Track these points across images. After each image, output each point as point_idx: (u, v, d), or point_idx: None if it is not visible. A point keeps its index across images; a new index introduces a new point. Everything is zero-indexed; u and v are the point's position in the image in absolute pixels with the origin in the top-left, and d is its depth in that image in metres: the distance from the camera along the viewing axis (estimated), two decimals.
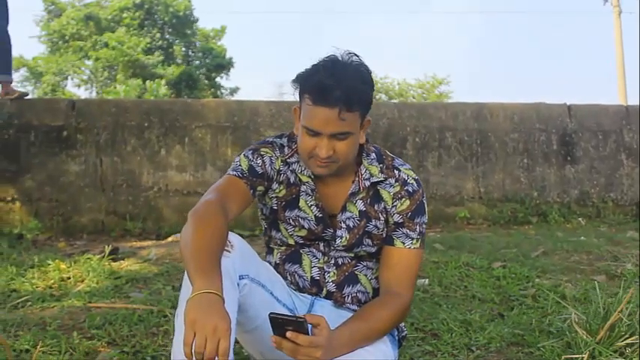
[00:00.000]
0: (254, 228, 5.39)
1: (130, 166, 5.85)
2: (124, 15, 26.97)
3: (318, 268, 2.06)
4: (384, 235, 2.03)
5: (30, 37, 41.40)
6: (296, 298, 2.06)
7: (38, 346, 2.40)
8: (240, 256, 1.84)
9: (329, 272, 2.05)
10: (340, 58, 1.88)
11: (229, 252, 1.79)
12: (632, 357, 2.16)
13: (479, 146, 6.16)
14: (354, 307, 2.06)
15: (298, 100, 1.93)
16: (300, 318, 1.63)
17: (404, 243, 2.00)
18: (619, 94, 23.96)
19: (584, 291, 3.39)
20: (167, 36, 28.98)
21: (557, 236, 5.08)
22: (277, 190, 2.05)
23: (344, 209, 2.03)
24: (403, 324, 2.15)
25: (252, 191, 1.98)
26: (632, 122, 6.17)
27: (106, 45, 26.07)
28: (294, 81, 1.93)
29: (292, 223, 2.04)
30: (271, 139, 2.09)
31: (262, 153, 2.03)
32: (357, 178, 2.02)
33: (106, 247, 4.11)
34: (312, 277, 2.06)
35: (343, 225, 2.02)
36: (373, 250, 2.05)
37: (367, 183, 2.02)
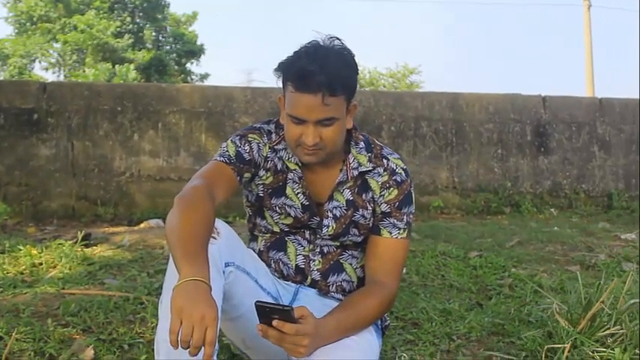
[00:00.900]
0: (227, 215, 5.35)
1: (102, 150, 5.75)
2: None
3: (303, 256, 2.03)
4: (371, 225, 2.01)
5: None
6: (280, 287, 2.03)
7: (14, 334, 2.34)
8: (227, 242, 1.81)
9: (314, 260, 2.03)
10: (322, 43, 1.84)
11: (215, 238, 1.75)
12: (613, 347, 2.16)
13: (454, 136, 6.17)
14: (339, 295, 2.04)
15: (282, 88, 1.89)
16: (287, 307, 1.61)
17: (391, 233, 1.98)
18: (587, 87, 24.22)
19: (560, 281, 3.42)
20: (137, 20, 28.55)
21: (530, 226, 5.12)
22: (264, 177, 2.01)
23: (331, 198, 2.00)
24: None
25: (238, 178, 1.94)
26: (605, 115, 6.23)
27: (75, 28, 25.59)
28: (276, 69, 1.89)
29: (278, 210, 2.01)
30: (259, 125, 2.04)
31: (250, 139, 1.98)
32: (345, 167, 1.99)
33: (79, 232, 4.04)
34: (296, 265, 2.03)
35: (330, 214, 1.99)
36: (359, 239, 2.03)
37: (355, 172, 1.99)
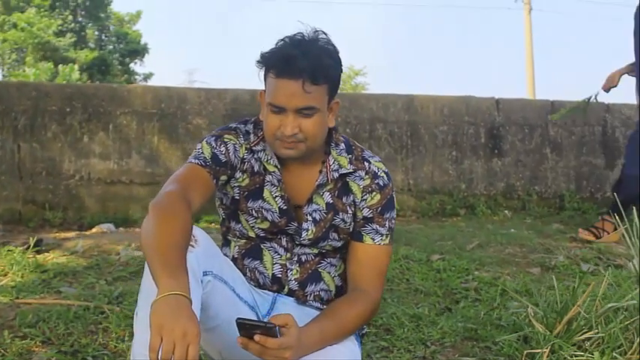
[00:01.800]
0: (198, 219, 5.21)
1: (51, 153, 5.55)
2: None
3: (280, 265, 1.96)
4: (351, 230, 1.95)
5: None
6: (257, 295, 1.96)
7: None
8: (204, 251, 1.73)
9: (292, 270, 1.96)
10: (306, 34, 1.80)
11: (193, 247, 1.68)
12: (592, 351, 2.16)
13: (409, 138, 6.16)
14: (317, 304, 1.98)
15: (263, 81, 1.83)
16: (270, 324, 1.56)
17: (373, 239, 1.93)
18: (528, 89, 24.74)
19: (524, 283, 3.42)
20: (79, 19, 27.97)
21: (487, 228, 5.14)
22: (240, 179, 1.93)
23: (310, 201, 1.93)
24: None
25: (215, 181, 1.86)
26: None
27: (15, 26, 24.90)
28: (258, 61, 1.84)
29: (254, 214, 1.93)
30: (234, 125, 1.96)
31: (226, 140, 1.90)
32: (324, 169, 1.93)
33: (31, 238, 3.88)
34: (273, 274, 1.96)
35: (309, 217, 1.93)
36: (339, 244, 1.97)
37: (336, 174, 1.93)
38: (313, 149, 1.86)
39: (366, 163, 1.95)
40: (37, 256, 3.74)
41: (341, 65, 1.85)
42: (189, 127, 5.78)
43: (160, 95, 5.84)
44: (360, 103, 6.17)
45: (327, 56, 1.78)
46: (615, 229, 4.55)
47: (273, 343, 1.54)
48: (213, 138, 1.90)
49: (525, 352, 2.20)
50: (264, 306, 1.95)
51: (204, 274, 1.71)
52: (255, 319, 1.87)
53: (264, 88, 1.85)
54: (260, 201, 1.92)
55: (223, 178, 1.88)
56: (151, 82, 27.93)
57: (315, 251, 1.97)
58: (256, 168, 1.93)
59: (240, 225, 1.96)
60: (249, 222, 1.95)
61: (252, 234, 1.96)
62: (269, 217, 1.92)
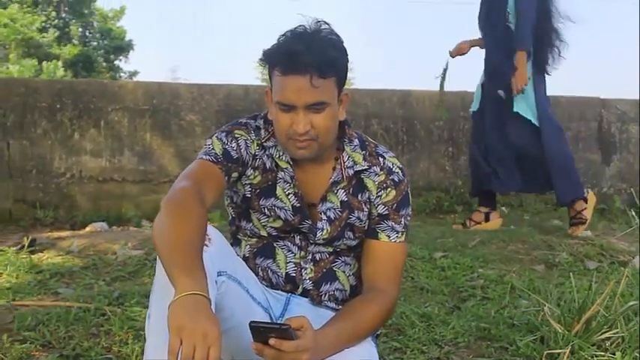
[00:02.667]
0: None
1: (41, 150, 5.44)
2: None
3: (294, 263, 1.89)
4: (367, 228, 1.88)
5: None
6: (270, 296, 1.88)
7: None
8: (218, 250, 1.67)
9: (306, 269, 1.89)
10: (308, 26, 1.73)
11: (207, 246, 1.61)
12: (613, 351, 2.10)
13: (405, 134, 6.10)
14: (332, 304, 1.91)
15: (269, 79, 1.77)
16: (284, 325, 1.49)
17: (389, 237, 1.86)
18: None
19: (530, 281, 3.36)
20: (63, 15, 27.69)
21: None
22: (252, 177, 1.86)
23: (324, 199, 1.86)
24: None
25: (227, 178, 1.79)
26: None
27: None
28: (261, 59, 1.77)
29: (267, 212, 1.86)
30: (244, 121, 1.89)
31: (237, 135, 1.83)
32: (338, 166, 1.86)
33: (25, 238, 3.77)
34: (287, 273, 1.89)
35: (324, 216, 1.86)
36: (354, 243, 1.90)
37: (351, 171, 1.86)
38: (326, 146, 1.79)
39: (381, 159, 1.89)
40: (32, 256, 3.64)
41: (347, 55, 1.78)
42: (182, 124, 5.68)
43: (152, 91, 5.73)
44: (354, 98, 6.08)
45: (332, 47, 1.72)
46: (486, 218, 4.90)
47: (289, 346, 1.48)
48: (224, 133, 1.83)
49: (545, 352, 2.14)
50: (277, 307, 1.88)
51: (219, 274, 1.65)
52: (269, 321, 1.80)
53: (270, 86, 1.78)
54: (272, 199, 1.85)
55: (235, 175, 1.81)
56: (136, 79, 27.75)
57: (330, 250, 1.91)
58: (268, 165, 1.86)
59: (251, 224, 1.89)
60: (262, 220, 1.87)
61: (264, 233, 1.89)
62: (282, 216, 1.85)
